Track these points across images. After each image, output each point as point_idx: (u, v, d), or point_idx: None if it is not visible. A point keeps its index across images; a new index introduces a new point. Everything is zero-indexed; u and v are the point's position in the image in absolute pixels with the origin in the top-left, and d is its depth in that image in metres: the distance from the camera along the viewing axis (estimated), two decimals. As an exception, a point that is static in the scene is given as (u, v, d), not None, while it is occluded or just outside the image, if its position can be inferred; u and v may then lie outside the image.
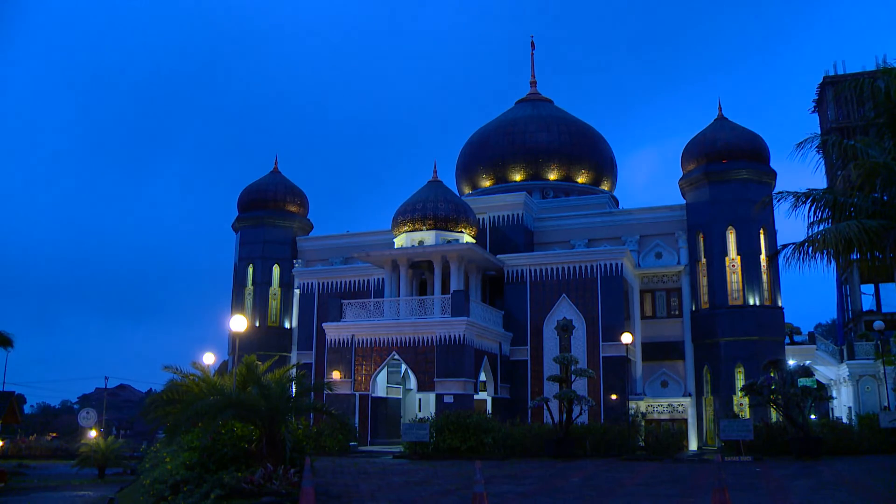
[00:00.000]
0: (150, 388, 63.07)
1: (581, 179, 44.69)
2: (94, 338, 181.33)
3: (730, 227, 36.15)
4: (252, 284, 43.75)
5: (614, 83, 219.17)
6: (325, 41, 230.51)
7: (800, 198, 16.35)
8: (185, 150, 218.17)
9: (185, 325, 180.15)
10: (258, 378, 16.70)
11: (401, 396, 38.22)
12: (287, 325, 43.45)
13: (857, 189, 16.14)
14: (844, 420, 33.76)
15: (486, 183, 45.36)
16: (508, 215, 39.68)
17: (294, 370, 23.96)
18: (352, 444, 30.57)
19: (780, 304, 36.02)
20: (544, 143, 44.52)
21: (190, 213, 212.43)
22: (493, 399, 34.94)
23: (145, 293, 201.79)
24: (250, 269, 43.97)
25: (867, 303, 47.99)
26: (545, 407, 28.27)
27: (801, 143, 16.85)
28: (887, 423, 25.39)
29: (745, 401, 32.84)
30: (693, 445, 35.04)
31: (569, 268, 35.93)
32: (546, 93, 49.63)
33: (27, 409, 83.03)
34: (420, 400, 37.10)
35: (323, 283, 40.96)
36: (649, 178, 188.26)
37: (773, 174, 37.10)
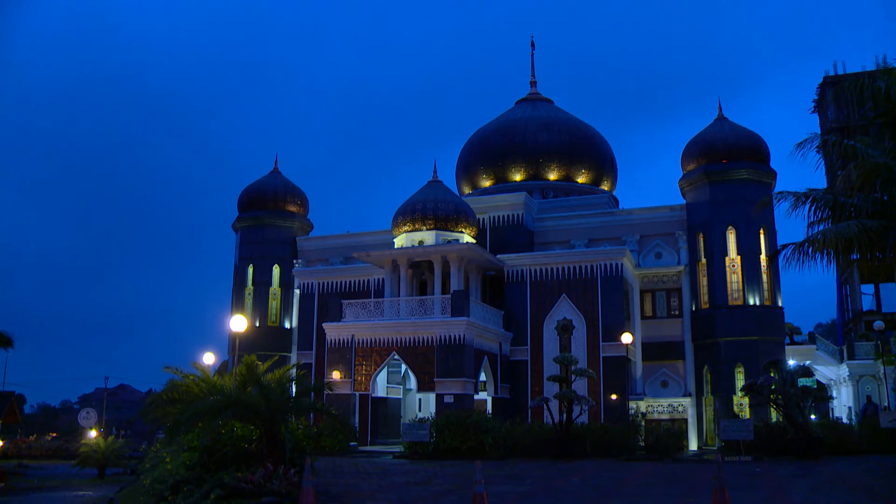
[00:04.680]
0: (150, 388, 63.06)
1: (581, 179, 44.68)
2: (95, 337, 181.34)
3: (730, 227, 36.15)
4: (252, 284, 43.74)
5: (614, 83, 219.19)
6: (325, 41, 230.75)
7: (800, 198, 16.35)
8: (185, 149, 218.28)
9: (185, 324, 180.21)
10: (258, 378, 16.73)
11: (401, 396, 38.22)
12: (287, 325, 43.44)
13: (857, 189, 16.11)
14: (844, 420, 33.76)
15: (486, 183, 45.35)
16: (508, 215, 39.67)
17: (294, 370, 23.96)
18: (352, 444, 30.59)
19: (780, 304, 36.02)
20: (544, 143, 44.49)
21: (190, 213, 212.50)
22: (493, 399, 34.93)
23: (145, 292, 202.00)
24: (250, 269, 43.96)
25: (867, 303, 48.02)
26: (545, 407, 28.25)
27: (801, 143, 16.85)
28: (887, 423, 25.37)
29: (745, 401, 32.85)
30: (693, 445, 35.03)
31: (569, 268, 35.93)
32: (546, 93, 49.60)
33: (27, 409, 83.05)
34: (420, 400, 37.10)
35: (323, 283, 40.94)
36: (649, 178, 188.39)
37: (774, 174, 37.10)
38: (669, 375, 36.79)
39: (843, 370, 42.65)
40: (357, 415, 33.27)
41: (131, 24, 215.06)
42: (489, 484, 14.15)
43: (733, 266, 35.79)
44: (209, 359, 26.87)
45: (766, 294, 35.47)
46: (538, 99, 48.80)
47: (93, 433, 38.69)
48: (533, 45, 50.12)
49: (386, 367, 34.45)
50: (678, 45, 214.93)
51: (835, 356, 44.20)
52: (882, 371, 35.87)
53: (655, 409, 36.13)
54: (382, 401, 35.42)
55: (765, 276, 35.59)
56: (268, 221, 44.35)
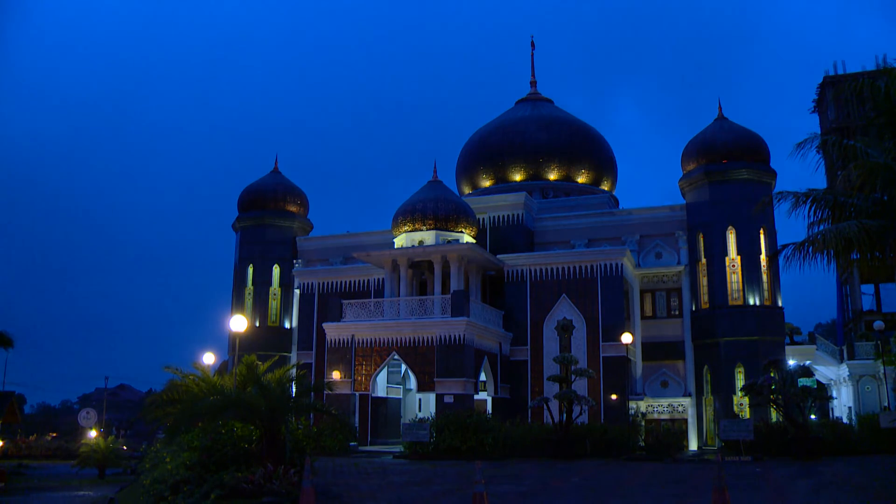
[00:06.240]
0: (150, 388, 63.03)
1: (581, 179, 44.68)
2: (95, 337, 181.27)
3: (730, 227, 36.15)
4: (252, 284, 43.75)
5: (614, 83, 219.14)
6: (325, 41, 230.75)
7: (800, 198, 16.32)
8: (185, 150, 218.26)
9: (185, 324, 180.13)
10: (258, 378, 16.73)
11: (401, 396, 38.22)
12: (287, 325, 43.44)
13: (857, 189, 16.09)
14: (844, 420, 33.76)
15: (486, 183, 45.35)
16: (508, 215, 39.67)
17: (294, 370, 23.99)
18: (352, 444, 30.58)
19: (780, 304, 36.01)
20: (544, 143, 44.49)
21: (190, 213, 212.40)
22: (493, 399, 34.93)
23: (145, 292, 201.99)
24: (250, 269, 43.97)
25: (867, 303, 48.02)
26: (545, 407, 28.26)
27: (801, 143, 16.81)
28: (887, 423, 25.39)
29: (745, 401, 32.84)
30: (693, 445, 35.04)
31: (569, 268, 35.93)
32: (546, 93, 49.63)
33: (27, 409, 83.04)
34: (420, 400, 37.10)
35: (323, 283, 40.94)
36: (649, 178, 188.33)
37: (773, 174, 37.10)
38: (669, 375, 36.79)
39: (843, 370, 42.64)
40: (357, 415, 33.27)
41: (130, 22, 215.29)
42: (489, 484, 14.16)
43: (733, 266, 35.79)
44: (209, 359, 26.88)
45: (766, 294, 35.47)
46: (538, 99, 48.82)
47: (93, 433, 38.66)
48: (533, 45, 50.17)
49: (386, 367, 34.45)
50: (678, 45, 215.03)
51: (835, 356, 44.19)
52: (882, 371, 35.86)
53: (655, 409, 36.13)
54: (382, 401, 35.42)
55: (765, 276, 35.59)
56: (268, 221, 44.37)
